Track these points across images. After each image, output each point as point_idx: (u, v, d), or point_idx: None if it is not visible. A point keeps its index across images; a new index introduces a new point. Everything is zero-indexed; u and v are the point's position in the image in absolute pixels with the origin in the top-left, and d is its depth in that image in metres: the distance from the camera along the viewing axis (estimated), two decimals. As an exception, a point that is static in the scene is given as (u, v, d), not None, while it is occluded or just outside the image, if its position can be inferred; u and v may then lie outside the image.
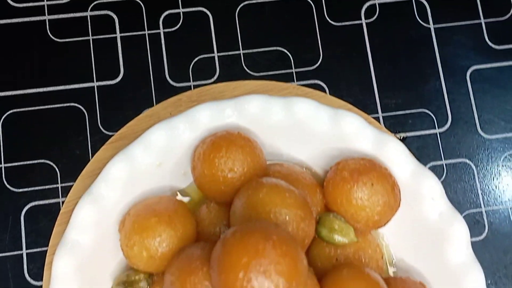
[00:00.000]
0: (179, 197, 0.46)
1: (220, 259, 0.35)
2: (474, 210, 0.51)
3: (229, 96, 0.49)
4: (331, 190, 0.43)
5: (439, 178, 0.50)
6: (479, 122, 0.53)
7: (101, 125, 0.51)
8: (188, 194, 0.46)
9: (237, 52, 0.53)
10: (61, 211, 0.48)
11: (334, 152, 0.45)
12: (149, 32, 0.53)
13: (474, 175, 0.52)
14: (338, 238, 0.42)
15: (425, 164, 0.51)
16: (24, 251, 0.49)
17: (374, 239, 0.44)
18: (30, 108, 0.51)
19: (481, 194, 0.52)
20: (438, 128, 0.53)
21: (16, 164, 0.50)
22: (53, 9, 0.53)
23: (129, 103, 0.52)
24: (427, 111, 0.53)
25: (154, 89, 0.52)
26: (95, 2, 0.53)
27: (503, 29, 0.54)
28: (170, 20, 0.53)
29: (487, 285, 0.50)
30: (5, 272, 0.48)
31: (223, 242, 0.35)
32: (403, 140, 0.52)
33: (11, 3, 0.53)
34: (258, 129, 0.45)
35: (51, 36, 0.52)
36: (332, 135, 0.44)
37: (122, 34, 0.53)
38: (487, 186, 0.52)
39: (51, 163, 0.50)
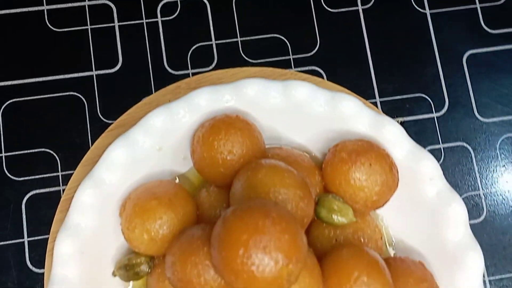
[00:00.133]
0: (178, 182, 0.47)
1: (221, 237, 0.35)
2: (472, 193, 0.52)
3: (227, 82, 0.49)
4: (329, 171, 0.43)
5: (437, 161, 0.50)
6: (476, 105, 0.53)
7: (100, 113, 0.51)
8: (188, 179, 0.47)
9: (235, 39, 0.53)
10: (62, 199, 0.48)
11: (332, 134, 0.45)
12: (147, 20, 0.53)
13: (471, 158, 0.52)
14: (337, 218, 0.42)
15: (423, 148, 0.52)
16: (26, 239, 0.49)
17: (373, 220, 0.44)
18: (29, 98, 0.51)
19: (479, 177, 0.52)
20: (435, 112, 0.53)
21: (16, 153, 0.50)
22: (52, -1, 0.53)
23: (128, 91, 0.52)
24: (424, 95, 0.53)
25: (153, 77, 0.52)
26: (93, -8, 0.53)
27: (499, 14, 0.55)
28: (168, 9, 0.54)
29: (486, 266, 0.50)
30: (7, 260, 0.49)
31: (223, 220, 0.35)
32: (401, 124, 0.52)
33: (10, -7, 0.53)
34: (257, 113, 0.45)
35: (49, 26, 0.53)
36: (330, 118, 0.45)
37: (120, 23, 0.53)
38: (485, 169, 0.52)
39: (52, 152, 0.51)
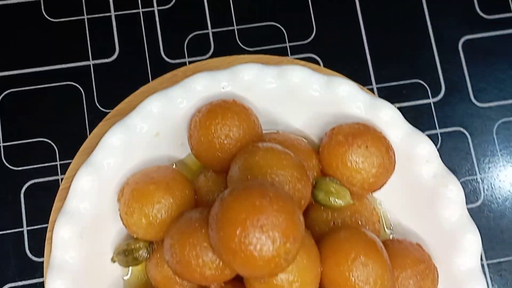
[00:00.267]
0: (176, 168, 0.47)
1: (218, 217, 0.35)
2: (470, 178, 0.52)
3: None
4: (326, 154, 0.43)
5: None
6: (472, 91, 0.53)
7: (98, 102, 0.52)
8: (186, 165, 0.47)
9: (231, 27, 0.54)
10: (60, 187, 0.49)
11: (329, 118, 0.45)
12: (143, 10, 0.53)
13: (468, 143, 0.52)
14: (334, 200, 0.42)
15: (420, 133, 0.52)
16: (25, 228, 0.49)
17: (371, 203, 0.44)
18: (27, 88, 0.52)
19: (476, 161, 0.52)
20: (432, 97, 0.53)
21: (14, 142, 0.51)
22: (48, -11, 0.53)
23: (125, 80, 0.52)
24: (420, 81, 0.53)
25: (150, 66, 0.52)
26: (89, -18, 0.54)
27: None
28: (164, -2, 0.54)
29: (485, 250, 0.50)
30: (6, 249, 0.49)
31: (221, 200, 0.36)
32: (397, 110, 0.52)
33: (6, -16, 0.53)
34: (253, 98, 0.45)
35: (46, 16, 0.53)
36: (326, 102, 0.45)
37: (117, 13, 0.53)
38: (481, 154, 0.52)
39: (50, 141, 0.51)
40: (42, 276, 0.48)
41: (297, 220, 0.35)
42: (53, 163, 0.50)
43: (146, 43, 0.53)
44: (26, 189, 0.50)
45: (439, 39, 0.54)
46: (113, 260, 0.44)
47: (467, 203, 0.45)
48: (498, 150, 0.52)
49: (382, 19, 0.54)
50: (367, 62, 0.53)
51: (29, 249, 0.49)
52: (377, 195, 0.46)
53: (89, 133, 0.51)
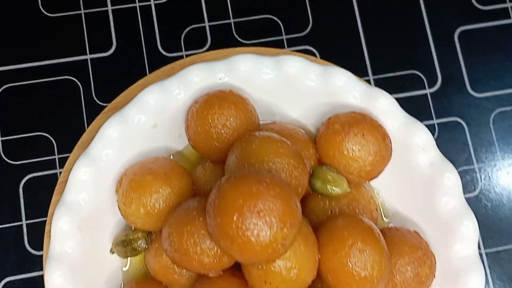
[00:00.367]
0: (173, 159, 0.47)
1: (215, 204, 0.35)
2: (467, 167, 0.52)
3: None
4: (323, 143, 0.43)
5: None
6: (468, 81, 0.54)
7: (95, 96, 0.52)
8: (184, 156, 0.47)
9: (227, 21, 0.54)
10: (59, 181, 0.49)
11: (326, 108, 0.45)
12: (140, 4, 0.54)
13: (465, 133, 0.53)
14: (332, 189, 0.42)
15: (417, 123, 0.52)
16: (24, 222, 0.49)
17: (368, 192, 0.45)
18: (25, 82, 0.52)
19: (473, 151, 0.52)
20: (428, 88, 0.53)
21: (13, 137, 0.51)
22: (45, -16, 0.54)
23: (122, 74, 0.52)
24: (417, 72, 0.53)
25: (147, 59, 0.53)
26: (86, -24, 0.54)
27: (489, -10, 0.55)
28: (161, -8, 0.54)
29: (483, 239, 0.50)
30: (6, 243, 0.49)
31: (218, 187, 0.36)
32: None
33: (3, -20, 0.53)
34: (250, 88, 0.45)
35: (43, 11, 0.53)
36: (323, 92, 0.45)
37: (114, 7, 0.54)
38: (478, 143, 0.52)
39: (48, 135, 0.51)
40: (42, 269, 0.48)
41: (294, 206, 0.35)
42: (52, 157, 0.51)
43: (143, 37, 0.53)
44: (25, 183, 0.50)
45: (435, 30, 0.54)
46: (112, 251, 0.44)
47: (464, 193, 0.45)
48: (495, 139, 0.52)
49: (378, 11, 0.54)
50: (363, 54, 0.54)
51: (28, 242, 0.49)
52: (374, 184, 0.47)
53: (87, 127, 0.51)
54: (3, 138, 0.51)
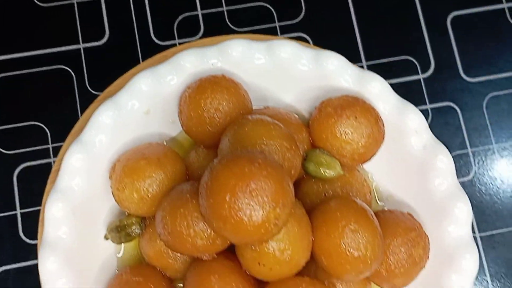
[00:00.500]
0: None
1: (208, 185, 0.35)
2: (461, 152, 0.52)
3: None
4: (316, 126, 0.43)
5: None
6: (461, 66, 0.54)
7: (89, 85, 0.52)
8: (177, 142, 0.47)
9: (220, 9, 0.54)
10: (52, 170, 0.49)
11: (318, 92, 0.46)
12: (133, -7, 0.54)
13: (459, 118, 0.53)
14: (325, 171, 0.42)
15: (410, 109, 0.52)
16: (18, 211, 0.49)
17: (361, 175, 0.45)
18: (18, 72, 0.52)
19: (467, 135, 0.52)
20: (421, 73, 0.53)
21: (6, 126, 0.51)
22: (37, -26, 0.54)
23: (115, 63, 0.52)
24: (410, 57, 0.53)
25: (140, 48, 0.53)
26: (78, -34, 0.54)
27: (481, -24, 0.55)
28: (153, -20, 0.54)
29: (477, 223, 0.50)
30: (0, 232, 0.49)
31: (210, 169, 0.36)
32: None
33: (-5, -30, 0.53)
34: (243, 74, 0.45)
35: (36, 1, 0.53)
36: (315, 76, 0.45)
37: (106, -4, 0.54)
38: (472, 128, 0.52)
39: (41, 125, 0.51)
40: (37, 258, 0.48)
41: (286, 186, 0.35)
42: (45, 146, 0.51)
43: (136, 26, 0.53)
44: (18, 172, 0.50)
45: (427, 16, 0.54)
46: (106, 237, 0.44)
47: (458, 177, 0.45)
48: (489, 124, 0.53)
49: (370, -3, 0.54)
50: (356, 40, 0.54)
51: (23, 231, 0.49)
52: (368, 168, 0.47)
53: (81, 116, 0.51)
54: (-3, 128, 0.51)
